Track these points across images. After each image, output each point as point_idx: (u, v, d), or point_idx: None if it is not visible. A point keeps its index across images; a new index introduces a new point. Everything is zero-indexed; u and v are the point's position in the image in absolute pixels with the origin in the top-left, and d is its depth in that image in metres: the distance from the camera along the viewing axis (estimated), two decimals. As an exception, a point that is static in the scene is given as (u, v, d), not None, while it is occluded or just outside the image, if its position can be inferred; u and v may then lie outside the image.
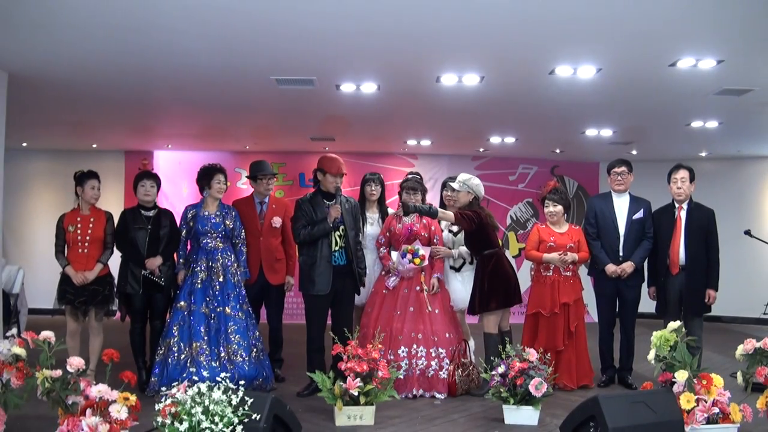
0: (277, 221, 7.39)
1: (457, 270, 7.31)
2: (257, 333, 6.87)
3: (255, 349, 6.71)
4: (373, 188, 7.42)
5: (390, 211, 7.46)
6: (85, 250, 6.66)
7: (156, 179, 7.03)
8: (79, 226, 6.66)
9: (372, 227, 7.36)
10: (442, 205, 7.44)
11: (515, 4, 4.89)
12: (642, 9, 4.91)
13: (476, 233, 6.77)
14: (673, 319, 5.55)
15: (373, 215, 7.43)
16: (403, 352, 6.70)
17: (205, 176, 6.98)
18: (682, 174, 6.98)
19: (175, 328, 6.63)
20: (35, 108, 8.56)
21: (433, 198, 11.21)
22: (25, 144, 11.57)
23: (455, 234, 7.27)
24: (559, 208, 7.08)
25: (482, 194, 6.98)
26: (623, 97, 7.62)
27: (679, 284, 6.93)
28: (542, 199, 7.24)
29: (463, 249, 7.23)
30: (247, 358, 6.57)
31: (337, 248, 6.64)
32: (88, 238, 6.66)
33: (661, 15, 5.03)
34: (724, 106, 7.90)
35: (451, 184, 7.06)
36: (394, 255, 6.90)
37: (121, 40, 5.76)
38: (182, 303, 6.71)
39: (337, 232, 6.65)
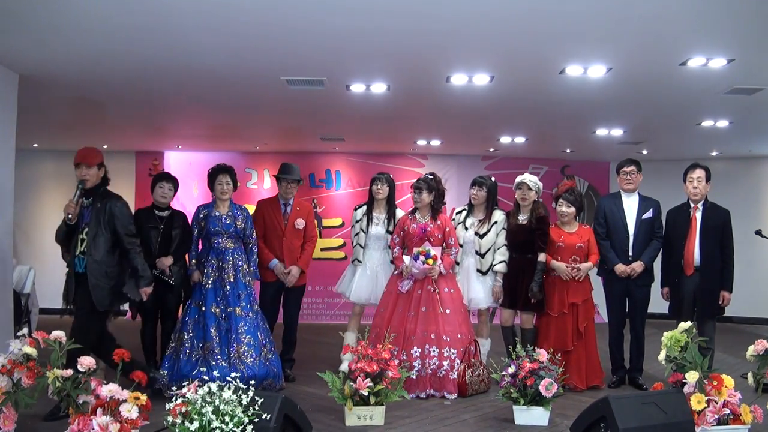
0: (300, 223, 7.39)
1: (484, 273, 7.30)
2: (267, 333, 6.87)
3: (265, 349, 6.70)
4: (379, 187, 7.41)
5: (399, 212, 7.49)
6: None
7: (174, 182, 7.07)
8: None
9: (377, 227, 7.39)
10: (470, 204, 7.46)
11: (525, 4, 4.89)
12: (652, 8, 4.90)
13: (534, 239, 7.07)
14: (686, 320, 5.52)
15: (379, 215, 7.45)
16: (415, 352, 6.70)
17: (209, 178, 7.01)
18: (699, 173, 6.94)
19: (191, 324, 6.66)
20: (46, 109, 8.60)
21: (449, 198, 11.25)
22: (35, 145, 11.62)
23: (482, 237, 7.27)
24: (573, 209, 7.08)
25: (542, 192, 7.36)
26: (633, 96, 7.60)
27: (693, 285, 6.89)
28: (556, 197, 7.23)
29: (500, 267, 7.24)
30: (257, 358, 6.56)
31: (77, 253, 5.93)
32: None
33: (672, 14, 5.01)
34: (734, 106, 7.86)
35: (527, 182, 7.18)
36: (407, 259, 6.89)
37: (130, 41, 5.79)
38: (198, 301, 6.75)
39: (81, 235, 5.95)
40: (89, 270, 5.86)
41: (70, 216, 5.84)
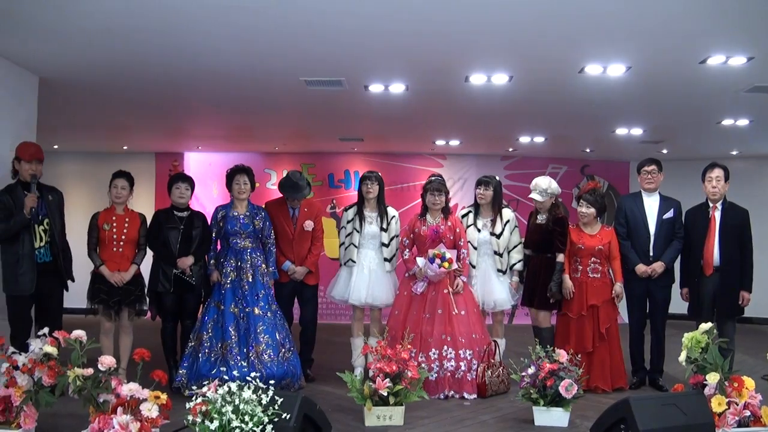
0: (309, 225, 7.38)
1: (504, 273, 7.29)
2: (286, 332, 6.90)
3: (283, 349, 6.73)
4: (369, 187, 7.34)
5: (391, 211, 7.47)
6: (120, 249, 6.70)
7: (190, 182, 7.08)
8: (114, 225, 6.71)
9: (371, 226, 7.35)
10: (476, 204, 7.43)
11: (544, 3, 4.87)
12: (671, 6, 4.87)
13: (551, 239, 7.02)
14: (706, 320, 5.48)
15: (371, 214, 7.39)
16: (434, 354, 6.70)
17: (227, 178, 7.07)
18: (717, 173, 6.89)
19: (210, 324, 6.70)
20: (66, 111, 8.66)
21: (462, 197, 11.24)
22: (56, 146, 11.70)
23: (498, 236, 7.25)
24: (592, 210, 7.03)
25: (560, 193, 7.25)
26: (653, 95, 7.55)
27: (712, 285, 6.83)
28: (578, 198, 7.21)
29: (519, 266, 7.27)
30: (275, 358, 6.59)
31: (42, 244, 6.17)
32: (123, 237, 6.70)
33: (691, 12, 4.99)
34: (755, 104, 7.79)
35: (533, 197, 7.12)
36: (420, 261, 6.86)
37: (150, 44, 5.82)
38: (217, 301, 6.79)
39: (41, 227, 6.17)
40: (61, 256, 6.27)
41: (33, 210, 6.02)
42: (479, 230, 7.27)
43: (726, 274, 6.80)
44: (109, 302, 6.65)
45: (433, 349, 6.71)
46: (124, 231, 6.73)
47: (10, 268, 6.02)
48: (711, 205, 6.94)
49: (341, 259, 7.51)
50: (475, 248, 7.22)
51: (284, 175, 7.54)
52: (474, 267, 7.22)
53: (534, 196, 7.08)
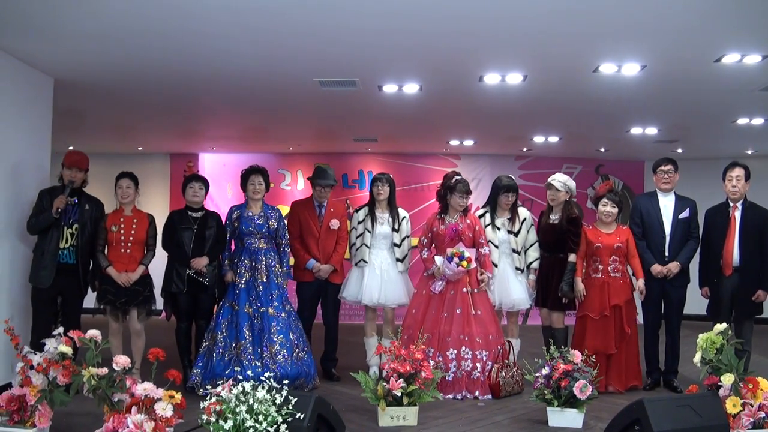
0: (335, 224, 7.41)
1: (522, 271, 7.29)
2: (300, 333, 6.91)
3: (297, 349, 6.74)
4: (380, 188, 7.36)
5: (401, 211, 7.47)
6: (128, 251, 6.70)
7: (204, 182, 7.10)
8: (122, 226, 6.71)
9: (382, 227, 7.36)
10: (493, 204, 7.37)
11: (558, 3, 4.87)
12: (686, 4, 4.86)
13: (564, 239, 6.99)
14: (724, 321, 5.44)
15: (382, 215, 7.39)
16: (451, 354, 6.69)
17: (242, 179, 7.08)
18: (738, 172, 6.84)
19: (224, 323, 6.72)
20: (81, 112, 8.71)
21: (475, 198, 11.21)
22: (71, 147, 11.72)
23: (516, 234, 7.24)
24: (617, 209, 7.02)
25: (575, 192, 7.21)
26: (668, 94, 7.53)
27: (731, 286, 6.79)
28: (597, 198, 7.16)
29: (536, 264, 7.25)
30: (289, 358, 6.60)
31: (66, 245, 6.48)
32: (131, 238, 6.71)
33: (706, 10, 4.97)
34: (770, 103, 7.77)
35: (554, 184, 7.10)
36: (439, 260, 6.85)
37: (164, 46, 5.85)
38: (231, 301, 6.80)
39: (70, 230, 6.51)
40: (81, 260, 6.57)
41: (60, 210, 6.37)
42: (498, 228, 7.25)
43: (746, 275, 6.75)
44: (116, 303, 6.67)
45: (451, 349, 6.70)
46: (132, 232, 6.73)
47: (35, 261, 6.45)
48: (731, 204, 6.90)
49: (352, 259, 7.51)
50: (497, 246, 7.19)
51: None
52: (496, 266, 7.19)
53: (555, 183, 7.07)
